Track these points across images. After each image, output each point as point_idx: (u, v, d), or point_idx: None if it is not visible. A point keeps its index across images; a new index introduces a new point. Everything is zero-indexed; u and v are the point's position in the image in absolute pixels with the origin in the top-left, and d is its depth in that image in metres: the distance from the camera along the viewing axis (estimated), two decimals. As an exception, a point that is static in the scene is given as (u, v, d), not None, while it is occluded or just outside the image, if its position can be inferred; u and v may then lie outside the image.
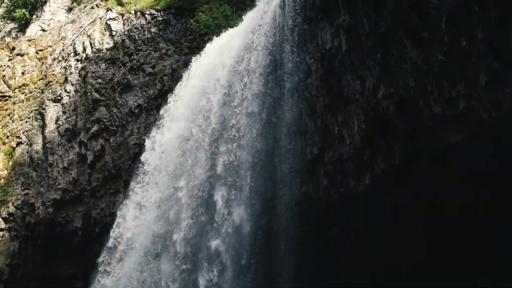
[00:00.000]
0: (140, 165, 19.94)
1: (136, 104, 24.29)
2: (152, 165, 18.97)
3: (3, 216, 27.74)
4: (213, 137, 16.62)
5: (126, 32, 26.89)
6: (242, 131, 16.08)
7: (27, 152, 28.22)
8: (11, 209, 27.49)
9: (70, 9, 33.87)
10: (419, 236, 13.64)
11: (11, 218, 27.62)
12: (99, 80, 26.40)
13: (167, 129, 19.25)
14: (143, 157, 19.90)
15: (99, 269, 19.13)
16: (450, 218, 13.09)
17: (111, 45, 27.28)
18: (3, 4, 36.36)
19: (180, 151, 17.75)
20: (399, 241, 14.04)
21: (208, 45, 20.55)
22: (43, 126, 28.14)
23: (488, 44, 10.11)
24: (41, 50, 31.94)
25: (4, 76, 31.61)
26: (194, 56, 21.15)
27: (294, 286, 14.72)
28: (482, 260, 12.82)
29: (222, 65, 17.68)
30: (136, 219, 18.17)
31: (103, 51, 27.35)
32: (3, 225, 27.83)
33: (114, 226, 19.62)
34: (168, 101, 20.39)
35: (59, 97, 28.15)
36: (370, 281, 15.02)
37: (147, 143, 20.25)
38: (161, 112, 20.54)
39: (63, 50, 30.37)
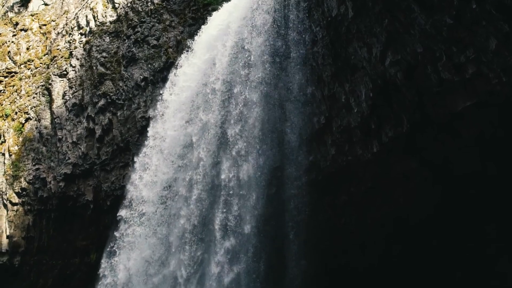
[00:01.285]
0: (147, 138, 20.02)
1: (142, 77, 24.19)
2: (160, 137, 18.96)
3: (16, 191, 28.24)
4: (221, 112, 16.54)
5: (129, 4, 26.56)
6: (249, 101, 16.02)
7: (36, 128, 28.46)
8: (24, 184, 27.96)
9: (71, -18, 33.43)
10: (428, 193, 13.73)
11: (24, 193, 28.12)
12: (104, 54, 26.28)
13: (176, 95, 19.19)
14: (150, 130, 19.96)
15: (111, 240, 19.40)
16: (458, 183, 13.14)
17: (115, 17, 27.01)
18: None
19: (187, 120, 17.68)
20: (407, 201, 14.17)
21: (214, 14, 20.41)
22: (50, 102, 28.25)
23: (499, 6, 9.89)
24: (45, 25, 31.76)
25: (9, 52, 31.58)
26: (199, 27, 20.94)
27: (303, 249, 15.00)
28: (488, 212, 12.95)
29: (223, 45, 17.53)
30: (146, 191, 18.30)
31: (107, 24, 27.11)
32: (17, 200, 28.39)
33: (125, 198, 19.81)
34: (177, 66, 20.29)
35: (65, 72, 28.14)
36: (379, 234, 15.13)
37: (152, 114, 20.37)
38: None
39: (66, 24, 30.16)
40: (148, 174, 18.50)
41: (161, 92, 20.55)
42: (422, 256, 14.46)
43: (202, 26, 20.43)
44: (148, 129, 20.27)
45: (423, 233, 14.30)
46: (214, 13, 20.62)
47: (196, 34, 20.61)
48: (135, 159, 20.26)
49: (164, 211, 17.37)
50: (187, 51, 20.34)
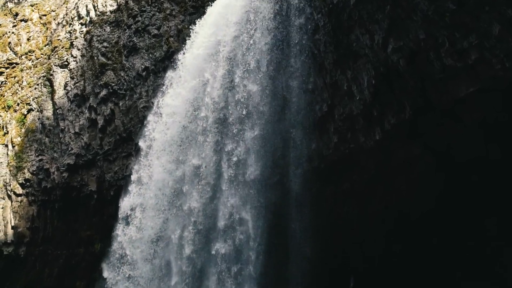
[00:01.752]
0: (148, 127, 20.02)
1: (143, 67, 24.12)
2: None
3: (20, 182, 28.37)
4: (222, 94, 16.45)
5: (129, -7, 26.38)
6: (251, 88, 15.98)
7: (39, 119, 28.50)
8: (27, 175, 28.07)
9: (70, -29, 33.20)
10: (430, 181, 13.75)
11: (28, 183, 28.25)
12: (105, 44, 26.19)
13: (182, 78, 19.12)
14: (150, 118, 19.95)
15: (116, 228, 19.45)
16: (461, 169, 13.14)
17: (115, 7, 26.85)
18: (3, -31, 35.71)
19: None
20: (409, 189, 14.20)
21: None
22: (52, 92, 28.24)
23: (502, -9, 9.82)
24: (45, 15, 31.62)
25: (9, 43, 31.49)
26: (199, 16, 20.82)
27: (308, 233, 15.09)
28: (490, 205, 12.97)
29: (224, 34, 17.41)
30: (149, 179, 18.33)
31: (107, 13, 26.97)
32: (21, 191, 28.53)
33: (128, 188, 19.88)
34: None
35: (66, 63, 28.07)
36: (379, 231, 15.21)
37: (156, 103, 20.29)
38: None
39: (66, 14, 30.02)
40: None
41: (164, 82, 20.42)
42: (422, 255, 14.44)
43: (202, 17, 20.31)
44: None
45: (424, 230, 14.32)
46: (215, 3, 20.45)
47: (196, 24, 20.53)
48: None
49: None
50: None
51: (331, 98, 15.31)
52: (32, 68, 30.12)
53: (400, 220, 14.73)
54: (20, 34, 31.36)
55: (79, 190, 26.65)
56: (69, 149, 26.56)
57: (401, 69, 12.69)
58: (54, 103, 27.88)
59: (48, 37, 30.65)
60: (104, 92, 25.10)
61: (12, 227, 28.68)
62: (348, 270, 16.26)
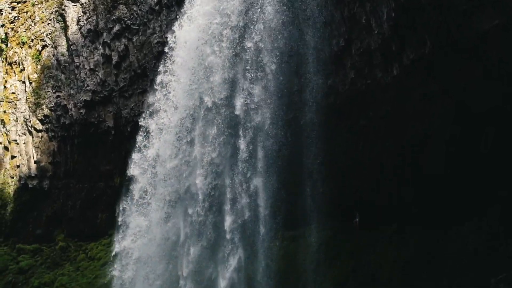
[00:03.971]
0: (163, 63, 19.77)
1: (155, 0, 23.54)
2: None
3: (40, 118, 28.90)
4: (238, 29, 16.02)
5: None
6: (267, 23, 15.56)
7: (53, 55, 28.45)
8: (46, 111, 28.53)
9: None
10: (446, 119, 13.63)
11: (47, 119, 28.78)
12: (116, -24, 25.45)
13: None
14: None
15: (132, 162, 19.78)
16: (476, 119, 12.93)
17: None
18: None
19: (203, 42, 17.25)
20: (425, 128, 14.14)
21: None
22: (65, 28, 27.94)
23: None
24: None
25: (19, -24, 30.81)
26: None
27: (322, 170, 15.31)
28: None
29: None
30: (164, 114, 18.39)
31: None
32: (40, 127, 29.15)
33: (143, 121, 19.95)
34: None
35: (77, -4, 27.52)
36: (395, 163, 15.30)
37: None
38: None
39: None
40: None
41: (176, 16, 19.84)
42: (433, 199, 14.47)
43: None
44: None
45: (438, 174, 14.27)
46: None
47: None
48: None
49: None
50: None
51: (348, 32, 14.90)
52: (44, 2, 29.60)
53: (414, 160, 14.79)
54: (29, -33, 30.55)
55: (97, 126, 27.11)
56: (85, 85, 26.70)
57: (423, 1, 12.18)
58: (67, 39, 27.67)
59: (58, -30, 29.80)
60: (117, 28, 24.74)
61: (35, 162, 29.63)
62: (362, 205, 16.59)
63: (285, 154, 16.01)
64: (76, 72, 27.27)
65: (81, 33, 26.72)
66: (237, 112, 15.63)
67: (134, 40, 24.18)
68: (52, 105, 28.24)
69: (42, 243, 29.56)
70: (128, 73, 24.96)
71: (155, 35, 23.28)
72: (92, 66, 26.29)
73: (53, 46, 28.47)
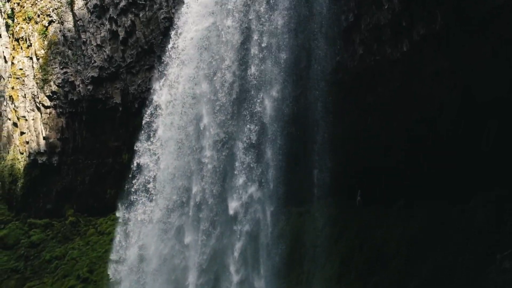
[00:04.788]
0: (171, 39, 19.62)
1: (162, -26, 23.26)
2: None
3: (47, 94, 29.01)
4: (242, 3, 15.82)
5: None
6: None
7: (60, 31, 28.34)
8: (54, 87, 28.61)
9: None
10: (456, 98, 13.53)
11: (55, 96, 28.89)
12: (122, -50, 25.09)
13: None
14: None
15: (140, 139, 19.87)
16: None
17: None
18: None
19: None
20: (434, 105, 14.05)
21: None
22: (71, 3, 27.73)
23: None
24: None
25: (24, -50, 30.47)
26: None
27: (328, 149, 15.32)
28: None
29: None
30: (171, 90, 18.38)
31: None
32: (48, 103, 29.30)
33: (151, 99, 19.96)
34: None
35: (83, -29, 27.23)
36: (403, 139, 15.28)
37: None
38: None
39: None
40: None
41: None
42: (441, 175, 14.46)
43: None
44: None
45: (447, 147, 14.23)
46: None
47: None
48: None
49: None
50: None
51: (357, 7, 14.67)
52: (49, -24, 29.34)
53: (423, 136, 14.73)
54: None
55: (104, 102, 27.20)
56: (92, 61, 26.67)
57: (435, -25, 11.95)
58: (74, 14, 27.50)
59: None
60: (123, 3, 24.52)
61: (44, 138, 29.91)
62: (369, 181, 16.65)
63: (293, 130, 16.02)
64: (83, 48, 27.21)
65: (87, 8, 26.54)
66: (247, 85, 15.61)
67: (140, 15, 24.00)
68: (60, 81, 28.30)
69: (52, 218, 30.13)
70: (135, 49, 24.87)
71: (161, 10, 23.07)
72: (99, 42, 26.19)
73: (60, 21, 28.34)
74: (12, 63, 31.07)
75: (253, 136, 15.37)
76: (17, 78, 30.53)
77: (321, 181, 16.10)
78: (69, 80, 28.00)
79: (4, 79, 33.75)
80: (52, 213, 30.42)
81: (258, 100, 15.47)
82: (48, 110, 29.60)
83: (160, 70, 20.00)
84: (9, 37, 33.08)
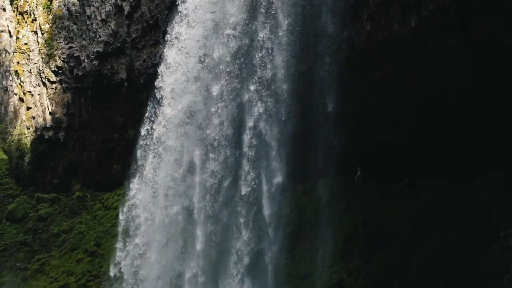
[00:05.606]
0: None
1: None
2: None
3: (53, 69, 28.95)
4: None
5: None
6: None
7: (64, 5, 28.07)
8: (59, 62, 28.52)
9: None
10: (463, 74, 13.38)
11: (60, 71, 28.83)
12: None
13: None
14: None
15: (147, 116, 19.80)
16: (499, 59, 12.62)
17: None
18: None
19: None
20: (441, 81, 13.90)
21: None
22: (75, -24, 27.42)
23: None
24: None
25: None
26: None
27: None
28: None
29: None
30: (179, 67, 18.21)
31: None
32: (54, 78, 29.26)
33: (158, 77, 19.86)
34: None
35: None
36: (409, 111, 15.18)
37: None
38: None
39: None
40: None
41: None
42: (446, 150, 14.38)
43: None
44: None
45: (453, 122, 14.11)
46: None
47: None
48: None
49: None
50: None
51: (366, -18, 14.41)
52: (52, -51, 28.91)
53: (430, 114, 14.63)
54: None
55: (110, 78, 27.13)
56: (97, 36, 26.49)
57: None
58: (78, -12, 27.19)
59: None
60: (128, -24, 24.19)
61: (50, 113, 30.00)
62: (374, 159, 16.64)
63: (299, 106, 15.95)
64: (88, 22, 26.99)
65: (91, -18, 26.22)
66: (253, 61, 15.46)
67: (145, -11, 23.68)
68: (65, 56, 28.19)
69: (59, 193, 30.49)
70: (140, 24, 24.63)
71: (167, -16, 22.74)
72: (103, 17, 25.95)
73: (64, -5, 28.05)
74: (17, 38, 30.93)
75: (260, 107, 15.31)
76: (22, 53, 30.44)
77: (326, 159, 16.11)
78: (74, 55, 27.88)
79: (9, 53, 33.65)
80: (59, 188, 30.77)
81: (264, 73, 15.33)
82: (53, 85, 29.60)
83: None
84: (13, 11, 32.84)
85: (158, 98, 18.09)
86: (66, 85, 29.11)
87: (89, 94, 28.46)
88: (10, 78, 33.24)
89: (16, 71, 30.93)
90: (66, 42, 28.11)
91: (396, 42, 14.53)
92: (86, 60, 27.40)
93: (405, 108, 15.16)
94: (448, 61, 13.67)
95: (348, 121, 15.95)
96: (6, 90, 34.73)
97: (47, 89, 29.87)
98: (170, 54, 17.76)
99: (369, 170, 16.93)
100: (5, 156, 34.89)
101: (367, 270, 15.05)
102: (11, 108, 33.66)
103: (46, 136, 30.54)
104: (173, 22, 17.80)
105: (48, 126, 30.24)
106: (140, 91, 25.56)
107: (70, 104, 29.45)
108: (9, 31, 33.32)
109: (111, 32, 25.85)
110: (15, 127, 33.14)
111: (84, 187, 30.21)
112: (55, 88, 29.61)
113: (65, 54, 28.14)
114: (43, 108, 30.30)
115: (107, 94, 27.80)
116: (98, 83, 27.61)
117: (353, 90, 15.98)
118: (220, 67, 16.00)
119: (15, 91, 32.07)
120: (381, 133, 16.03)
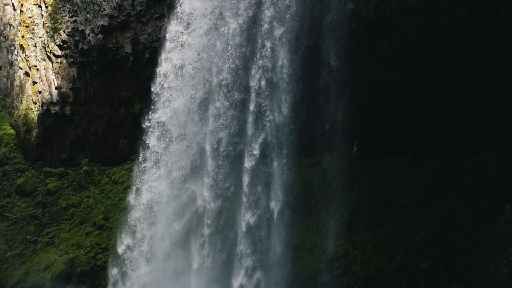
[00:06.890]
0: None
1: None
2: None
3: (58, 43, 28.79)
4: None
5: None
6: None
7: (68, -23, 27.74)
8: (64, 36, 28.34)
9: None
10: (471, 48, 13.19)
11: (65, 45, 28.67)
12: None
13: None
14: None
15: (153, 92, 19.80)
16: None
17: None
18: None
19: None
20: (449, 56, 13.73)
21: None
22: None
23: None
24: None
25: None
26: None
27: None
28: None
29: None
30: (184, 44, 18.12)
31: None
32: (59, 52, 29.13)
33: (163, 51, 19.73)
34: None
35: None
36: (416, 88, 15.10)
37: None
38: None
39: None
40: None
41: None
42: (451, 125, 14.30)
43: None
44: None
45: (458, 96, 13.99)
46: None
47: None
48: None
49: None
50: None
51: (374, -49, 14.09)
52: None
53: (435, 86, 14.49)
54: None
55: (115, 52, 26.98)
56: (102, 9, 26.23)
57: None
58: (81, -40, 26.78)
59: None
60: None
61: (56, 88, 30.00)
62: (380, 132, 16.62)
63: (305, 80, 15.86)
64: (91, -5, 26.69)
65: (95, -47, 25.80)
66: (259, 29, 15.36)
67: (149, -39, 23.32)
68: (70, 30, 27.99)
69: (67, 167, 30.78)
70: (144, -4, 24.35)
71: (171, -45, 22.34)
72: (107, -11, 25.64)
73: (67, -33, 27.66)
74: (21, 11, 30.65)
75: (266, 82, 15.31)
76: (27, 27, 30.22)
77: (332, 133, 16.10)
78: (79, 29, 27.67)
79: (13, 27, 33.40)
80: (66, 162, 31.04)
81: (270, 44, 15.24)
82: (59, 60, 29.49)
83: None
84: (17, -16, 32.42)
85: (164, 73, 18.09)
86: (72, 60, 29.01)
87: (95, 69, 28.38)
88: (15, 53, 33.08)
89: (21, 45, 30.77)
90: (70, 15, 27.87)
91: (404, 14, 14.30)
92: (91, 34, 27.21)
93: (412, 81, 15.01)
94: (457, 34, 13.46)
95: (354, 95, 15.87)
96: (11, 64, 34.57)
97: (52, 63, 29.78)
98: (176, 28, 17.69)
99: (375, 144, 16.92)
100: (12, 131, 35.07)
101: (373, 243, 15.22)
102: (17, 83, 33.63)
103: (52, 111, 30.63)
104: None
105: (54, 100, 30.29)
106: (145, 65, 25.45)
107: (76, 78, 29.40)
108: (13, 4, 32.93)
109: (115, 5, 25.59)
110: (21, 102, 33.19)
111: (92, 161, 30.46)
112: (61, 63, 29.52)
113: (70, 28, 27.94)
114: (48, 82, 30.28)
115: (112, 69, 27.72)
116: (104, 57, 27.49)
117: (359, 63, 15.83)
118: (227, 40, 15.91)
119: (21, 65, 31.99)
120: (387, 106, 15.94)
